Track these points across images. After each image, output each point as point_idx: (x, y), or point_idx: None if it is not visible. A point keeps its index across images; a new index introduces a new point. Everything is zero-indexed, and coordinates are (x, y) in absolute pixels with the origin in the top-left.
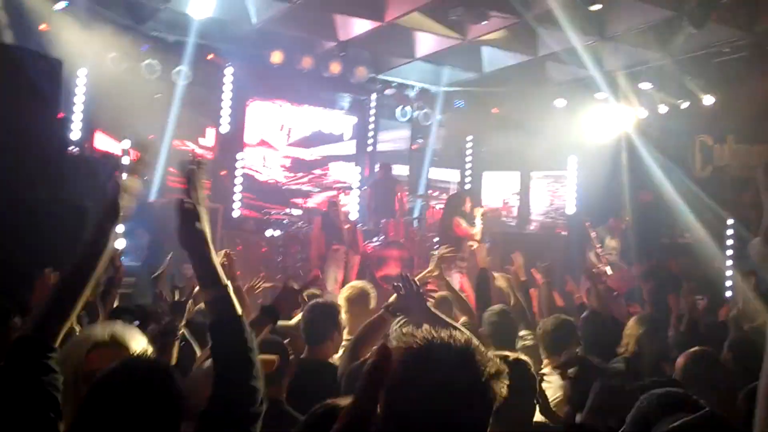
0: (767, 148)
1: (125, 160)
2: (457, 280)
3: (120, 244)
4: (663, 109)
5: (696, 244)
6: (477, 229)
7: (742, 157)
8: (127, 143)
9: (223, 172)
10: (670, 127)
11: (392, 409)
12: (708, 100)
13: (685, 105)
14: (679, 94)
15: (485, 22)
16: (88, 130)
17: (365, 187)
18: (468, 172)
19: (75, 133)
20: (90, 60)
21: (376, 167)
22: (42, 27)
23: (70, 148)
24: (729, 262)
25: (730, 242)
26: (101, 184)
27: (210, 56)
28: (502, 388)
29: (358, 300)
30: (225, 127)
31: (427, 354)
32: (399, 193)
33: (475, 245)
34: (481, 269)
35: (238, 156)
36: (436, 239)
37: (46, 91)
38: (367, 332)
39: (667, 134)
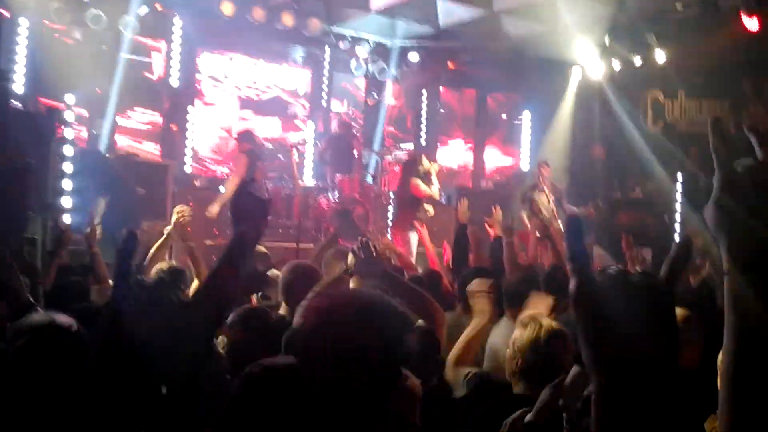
0: (717, 103)
1: (68, 115)
2: (415, 237)
3: (66, 201)
4: (616, 65)
5: (647, 199)
6: (435, 189)
7: (692, 113)
8: (71, 98)
9: (173, 127)
10: (623, 83)
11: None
12: (660, 56)
13: (638, 61)
14: (632, 50)
15: None
16: (32, 84)
17: (319, 142)
18: (423, 129)
19: (18, 87)
20: (31, 11)
21: (334, 123)
22: None
23: (11, 102)
24: (678, 217)
25: (679, 197)
26: (45, 140)
27: (158, 5)
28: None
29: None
30: (174, 81)
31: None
32: (356, 149)
33: (431, 209)
34: (460, 225)
35: (189, 109)
36: (391, 196)
37: None
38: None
39: (620, 90)
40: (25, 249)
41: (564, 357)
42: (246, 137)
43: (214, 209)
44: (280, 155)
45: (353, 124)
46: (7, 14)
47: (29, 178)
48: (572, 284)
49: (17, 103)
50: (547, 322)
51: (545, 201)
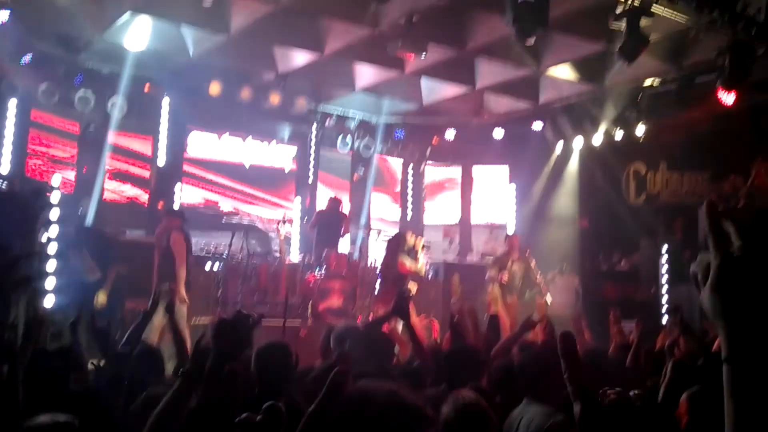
0: (697, 175)
1: (55, 196)
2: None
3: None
4: (597, 139)
5: (633, 271)
6: (420, 264)
7: (674, 184)
8: (57, 178)
9: (160, 204)
10: (604, 157)
11: None
12: (640, 130)
13: (619, 135)
14: (612, 125)
15: (424, 53)
16: (18, 162)
17: (307, 218)
18: (409, 203)
19: (4, 166)
20: (21, 90)
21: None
22: None
23: None
24: (665, 288)
25: (665, 268)
26: (31, 221)
27: (147, 87)
28: None
29: None
30: (162, 159)
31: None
32: (344, 226)
33: (413, 287)
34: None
35: (176, 188)
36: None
37: None
38: None
39: (601, 163)
40: (6, 336)
41: None
42: (174, 212)
43: (183, 294)
44: (269, 233)
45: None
46: None
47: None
48: (577, 409)
49: (3, 182)
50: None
51: (517, 271)
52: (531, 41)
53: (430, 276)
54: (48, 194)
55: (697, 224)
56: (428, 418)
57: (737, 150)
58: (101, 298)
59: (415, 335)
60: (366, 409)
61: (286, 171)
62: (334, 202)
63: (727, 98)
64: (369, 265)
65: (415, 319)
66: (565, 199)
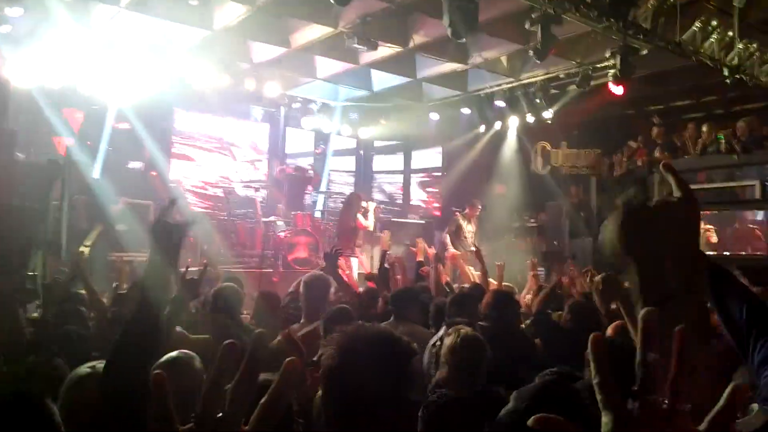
0: (591, 152)
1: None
2: (356, 262)
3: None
4: (514, 122)
5: (540, 227)
6: (371, 222)
7: (572, 159)
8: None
9: (153, 172)
10: (519, 136)
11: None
12: (548, 114)
13: (530, 119)
14: (526, 110)
15: (375, 50)
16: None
17: (277, 184)
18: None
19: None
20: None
21: (290, 167)
22: None
23: (16, 154)
24: (566, 240)
25: (567, 224)
26: (45, 186)
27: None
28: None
29: None
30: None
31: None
32: (309, 189)
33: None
34: (382, 251)
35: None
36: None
37: None
38: None
39: (516, 141)
40: (27, 282)
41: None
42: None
43: None
44: (246, 194)
45: (306, 169)
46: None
47: (33, 220)
48: (607, 420)
49: (20, 155)
50: (464, 330)
51: (472, 229)
52: (463, 40)
53: (378, 232)
54: (60, 163)
55: (590, 191)
56: (415, 351)
57: (622, 132)
58: (85, 250)
59: (342, 281)
60: (363, 346)
61: (259, 145)
62: (299, 170)
63: (617, 90)
64: (329, 222)
65: (366, 268)
66: (488, 170)
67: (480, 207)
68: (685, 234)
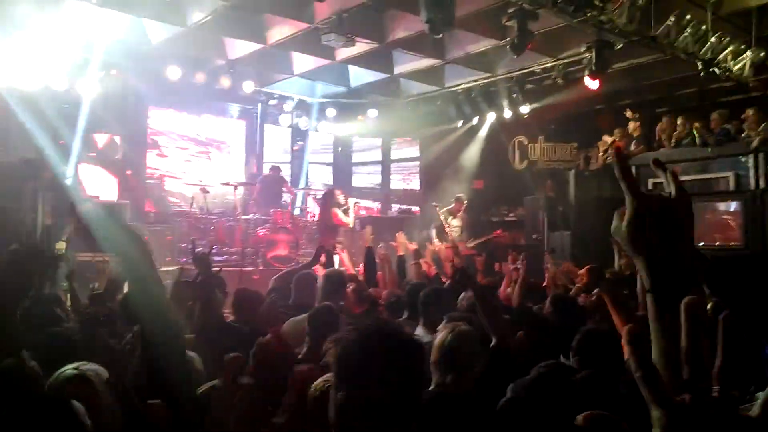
0: (567, 146)
1: (42, 164)
2: (337, 259)
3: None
4: (491, 117)
5: (519, 221)
6: (350, 218)
7: (548, 153)
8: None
9: (128, 172)
10: (496, 131)
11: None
12: (525, 109)
13: (508, 114)
14: (503, 105)
15: (352, 46)
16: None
17: (255, 184)
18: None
19: None
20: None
21: (268, 167)
22: None
23: None
24: (545, 233)
25: (545, 218)
26: (23, 186)
27: (114, 72)
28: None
29: None
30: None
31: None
32: (286, 188)
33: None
34: (367, 248)
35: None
36: (315, 227)
37: None
38: None
39: (494, 136)
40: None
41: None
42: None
43: None
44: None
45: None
46: None
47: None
48: (658, 415)
49: None
50: (459, 328)
51: (457, 224)
52: (440, 36)
53: (357, 228)
54: (36, 164)
55: (567, 185)
56: (423, 346)
57: (598, 126)
58: (61, 245)
59: (353, 276)
60: (375, 343)
61: (235, 143)
62: (275, 169)
63: (592, 84)
64: (308, 219)
65: (348, 263)
66: (466, 165)
67: (465, 201)
68: (685, 229)
